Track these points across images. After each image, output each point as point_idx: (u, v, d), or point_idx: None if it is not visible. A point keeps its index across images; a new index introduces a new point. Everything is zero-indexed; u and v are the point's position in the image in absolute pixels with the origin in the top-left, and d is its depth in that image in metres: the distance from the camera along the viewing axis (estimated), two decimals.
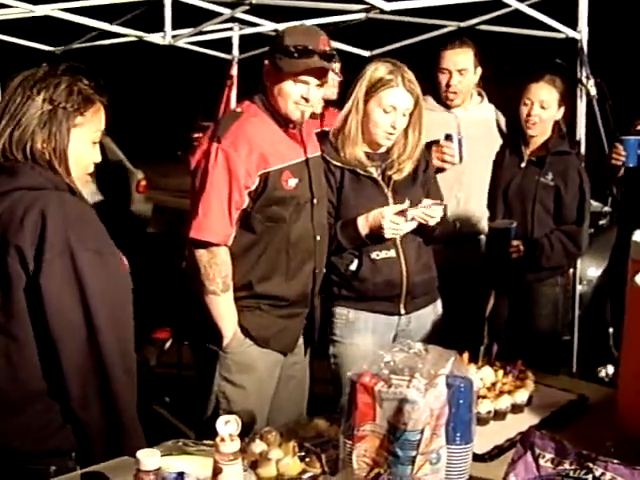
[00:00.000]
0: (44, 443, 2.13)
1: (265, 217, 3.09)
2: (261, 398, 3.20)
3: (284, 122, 3.13)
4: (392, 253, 3.33)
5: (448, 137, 4.02)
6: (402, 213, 3.25)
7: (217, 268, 3.06)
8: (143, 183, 10.79)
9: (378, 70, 3.29)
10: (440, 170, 3.97)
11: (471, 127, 4.19)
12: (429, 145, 3.89)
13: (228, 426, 1.74)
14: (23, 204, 2.09)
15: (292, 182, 3.10)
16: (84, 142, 2.24)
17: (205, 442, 2.06)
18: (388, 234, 3.24)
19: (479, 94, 4.35)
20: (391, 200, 3.32)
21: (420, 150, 3.40)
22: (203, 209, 3.03)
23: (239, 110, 3.20)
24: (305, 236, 3.18)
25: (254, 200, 3.06)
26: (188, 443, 2.07)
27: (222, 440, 1.72)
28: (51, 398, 2.13)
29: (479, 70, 4.25)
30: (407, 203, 3.26)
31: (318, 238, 3.22)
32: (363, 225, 3.27)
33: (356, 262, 3.33)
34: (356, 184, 3.33)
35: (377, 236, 3.28)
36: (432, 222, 3.30)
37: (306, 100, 3.07)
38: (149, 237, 9.80)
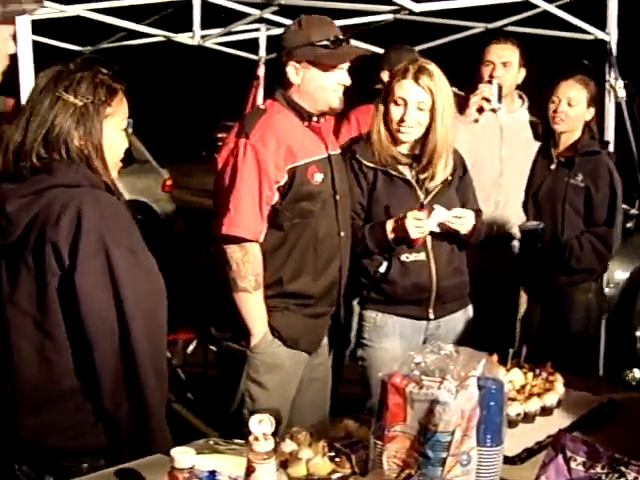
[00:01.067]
0: (76, 441, 2.15)
1: (293, 214, 3.09)
2: (284, 399, 3.20)
3: (308, 117, 3.15)
4: (422, 256, 3.29)
5: (489, 81, 4.03)
6: (422, 207, 3.22)
7: (250, 265, 3.06)
8: (169, 182, 10.85)
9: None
10: (476, 121, 3.99)
11: (512, 129, 4.19)
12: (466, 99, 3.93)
13: (262, 425, 1.74)
14: (60, 201, 2.11)
15: (318, 177, 3.11)
16: (115, 130, 2.26)
17: (236, 441, 2.07)
18: (413, 233, 3.19)
19: (520, 97, 4.34)
20: (424, 203, 3.29)
21: (452, 153, 3.37)
22: (234, 205, 3.03)
23: (263, 107, 3.23)
24: (331, 232, 3.18)
25: (283, 196, 3.07)
26: (219, 442, 2.08)
27: (256, 439, 1.72)
28: (84, 396, 2.15)
29: (523, 71, 4.23)
30: (436, 207, 3.24)
31: (343, 234, 3.22)
32: (391, 227, 3.25)
33: (385, 264, 3.30)
34: (389, 185, 3.31)
35: (405, 241, 3.26)
36: (462, 230, 3.28)
37: (343, 85, 3.14)
38: (173, 236, 9.85)
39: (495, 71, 4.12)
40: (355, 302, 3.39)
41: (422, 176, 3.31)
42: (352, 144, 3.43)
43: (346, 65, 3.14)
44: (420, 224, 3.20)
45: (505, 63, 4.13)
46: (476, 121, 4.03)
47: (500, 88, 4.02)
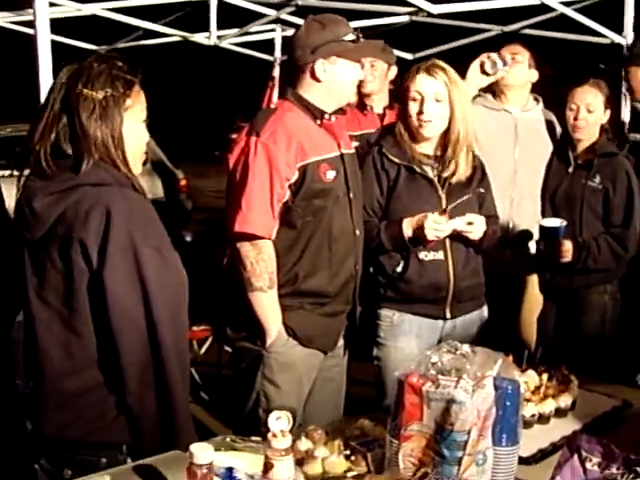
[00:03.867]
0: (97, 434, 2.17)
1: (306, 211, 3.10)
2: (298, 399, 3.21)
3: (320, 115, 3.16)
4: (440, 255, 3.31)
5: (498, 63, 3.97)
6: (444, 212, 3.24)
7: (264, 264, 3.07)
8: (183, 183, 10.89)
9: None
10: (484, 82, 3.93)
11: (526, 128, 4.22)
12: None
13: (279, 422, 1.76)
14: (88, 200, 2.13)
15: (330, 175, 3.12)
16: (136, 122, 2.29)
17: (253, 439, 2.09)
18: (430, 235, 3.22)
19: (535, 98, 4.37)
20: (444, 202, 3.32)
21: (472, 150, 3.38)
22: (246, 202, 3.05)
23: (274, 106, 3.27)
24: (346, 230, 3.19)
25: (294, 193, 3.08)
26: (236, 439, 2.10)
27: (274, 436, 1.74)
28: (107, 389, 2.18)
29: (534, 72, 4.26)
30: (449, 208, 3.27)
31: (357, 233, 3.23)
32: (407, 225, 3.27)
33: (402, 263, 3.32)
34: (411, 182, 3.33)
35: (420, 241, 3.27)
36: (474, 236, 3.30)
37: (360, 80, 3.25)
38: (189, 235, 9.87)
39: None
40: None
41: (444, 174, 3.33)
42: (380, 137, 3.45)
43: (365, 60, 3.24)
44: (439, 227, 3.22)
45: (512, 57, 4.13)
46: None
47: (505, 61, 3.91)
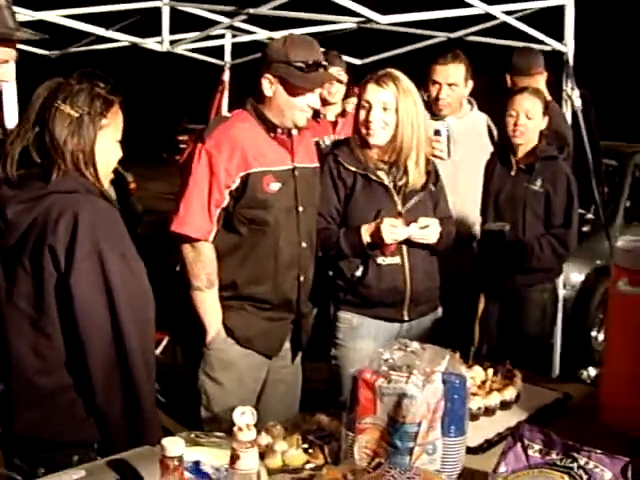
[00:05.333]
0: (68, 434, 2.26)
1: (248, 219, 3.18)
2: (242, 397, 3.19)
3: (273, 129, 3.23)
4: (397, 259, 3.39)
5: (437, 132, 4.10)
6: (400, 215, 3.33)
7: (201, 265, 3.17)
8: (133, 185, 10.85)
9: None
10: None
11: (462, 134, 4.30)
12: None
13: (244, 417, 1.86)
14: (58, 207, 2.21)
15: (274, 186, 3.19)
16: (110, 141, 2.38)
17: (216, 434, 2.18)
18: (387, 238, 3.30)
19: (469, 102, 4.48)
20: (400, 206, 3.40)
21: (428, 163, 3.48)
22: (184, 205, 3.16)
23: (227, 115, 3.33)
24: (292, 242, 3.26)
25: (235, 199, 3.16)
26: (200, 435, 2.18)
27: (240, 429, 1.85)
28: (76, 392, 2.26)
29: (470, 83, 4.37)
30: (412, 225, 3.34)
31: (304, 245, 3.29)
32: (365, 231, 3.34)
33: (361, 268, 3.39)
34: (367, 189, 3.41)
35: (378, 245, 3.35)
36: (430, 241, 3.39)
37: (312, 108, 3.23)
38: (139, 239, 9.85)
39: (441, 92, 4.27)
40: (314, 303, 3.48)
41: (399, 183, 3.41)
42: (334, 148, 3.53)
43: (318, 89, 3.22)
44: (395, 231, 3.30)
45: (451, 85, 4.27)
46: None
47: (449, 137, 4.11)
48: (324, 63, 3.21)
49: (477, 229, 4.39)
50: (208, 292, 3.19)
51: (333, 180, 3.43)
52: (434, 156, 4.01)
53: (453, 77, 4.27)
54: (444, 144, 4.10)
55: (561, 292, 4.94)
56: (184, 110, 20.63)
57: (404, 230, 3.32)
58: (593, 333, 6.33)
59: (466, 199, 4.30)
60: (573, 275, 6.07)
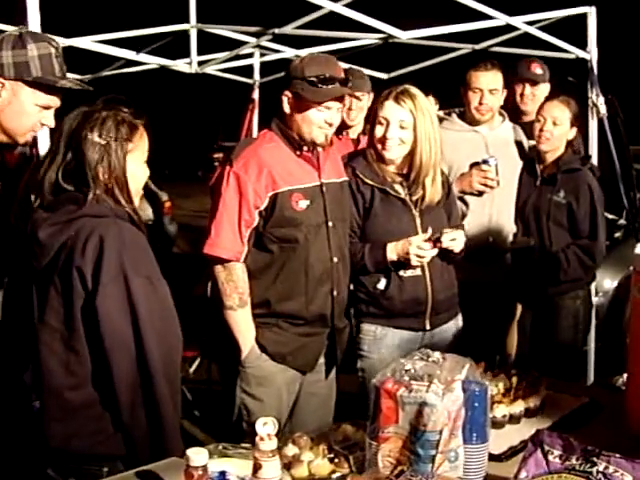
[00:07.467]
0: (98, 447, 2.35)
1: (278, 238, 3.24)
2: (279, 411, 3.31)
3: (299, 147, 3.29)
4: (418, 271, 3.43)
5: (486, 162, 4.19)
6: (429, 240, 3.36)
7: (233, 284, 3.23)
8: (168, 204, 10.96)
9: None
10: (481, 193, 4.20)
11: (496, 145, 4.37)
12: (470, 167, 4.11)
13: (266, 427, 1.91)
14: (86, 230, 2.32)
15: (303, 204, 3.25)
16: (138, 164, 2.48)
17: (243, 445, 2.24)
18: (414, 261, 3.35)
19: (500, 114, 4.51)
20: (418, 220, 3.44)
21: (441, 174, 3.52)
22: (215, 227, 3.24)
23: (254, 137, 3.39)
24: (322, 258, 3.31)
25: (265, 219, 3.23)
26: (227, 446, 2.25)
27: (261, 439, 1.90)
28: (103, 407, 2.35)
29: (505, 92, 4.42)
30: (430, 231, 3.38)
31: (335, 260, 3.34)
32: (391, 250, 3.39)
33: (384, 281, 3.44)
34: (385, 203, 3.45)
35: (402, 264, 3.40)
36: (457, 249, 3.43)
37: (329, 124, 3.26)
38: (175, 257, 9.96)
39: (484, 98, 4.31)
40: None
41: (415, 197, 3.45)
42: (349, 160, 3.56)
43: (335, 105, 3.24)
44: (422, 253, 3.35)
45: (492, 90, 4.32)
46: (480, 194, 4.24)
47: (497, 166, 4.20)
48: (340, 78, 3.24)
49: (512, 239, 4.42)
50: (240, 311, 3.25)
51: (353, 193, 3.47)
52: (485, 186, 4.08)
53: (494, 83, 4.32)
54: (493, 173, 4.16)
55: (594, 299, 4.93)
56: (218, 128, 20.83)
57: (430, 253, 3.36)
58: (627, 340, 6.27)
59: (502, 210, 4.35)
60: (606, 282, 6.04)
